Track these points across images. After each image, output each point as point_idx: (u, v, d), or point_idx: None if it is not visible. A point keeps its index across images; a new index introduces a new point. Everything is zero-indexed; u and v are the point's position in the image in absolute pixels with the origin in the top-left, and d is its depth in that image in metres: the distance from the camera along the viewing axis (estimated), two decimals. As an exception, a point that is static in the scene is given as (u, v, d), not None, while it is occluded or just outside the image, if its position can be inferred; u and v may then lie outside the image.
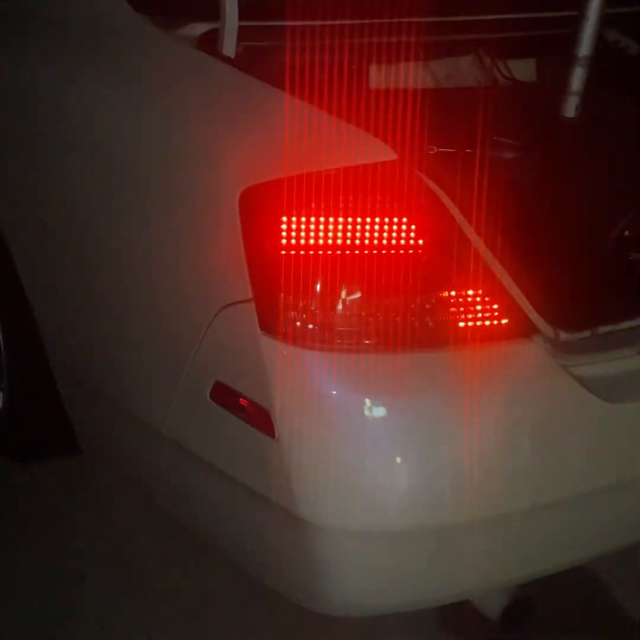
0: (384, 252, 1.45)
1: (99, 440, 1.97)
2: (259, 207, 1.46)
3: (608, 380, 1.60)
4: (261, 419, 1.47)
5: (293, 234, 1.44)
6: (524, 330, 1.54)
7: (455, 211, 1.48)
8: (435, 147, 1.78)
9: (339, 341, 1.45)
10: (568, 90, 1.55)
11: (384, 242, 1.45)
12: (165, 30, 1.82)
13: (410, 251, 1.46)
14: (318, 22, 1.84)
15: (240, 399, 1.50)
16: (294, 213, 1.44)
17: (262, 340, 1.45)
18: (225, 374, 1.53)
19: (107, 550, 2.18)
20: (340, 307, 1.45)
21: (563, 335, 1.60)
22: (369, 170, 1.43)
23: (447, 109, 1.88)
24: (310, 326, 1.44)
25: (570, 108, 1.56)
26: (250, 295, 1.46)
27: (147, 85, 1.70)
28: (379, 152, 1.44)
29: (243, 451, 1.53)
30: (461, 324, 1.50)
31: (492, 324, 1.51)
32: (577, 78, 1.54)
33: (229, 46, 1.79)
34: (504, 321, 1.52)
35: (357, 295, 1.46)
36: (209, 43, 1.80)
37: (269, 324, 1.45)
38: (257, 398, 1.47)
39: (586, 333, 1.65)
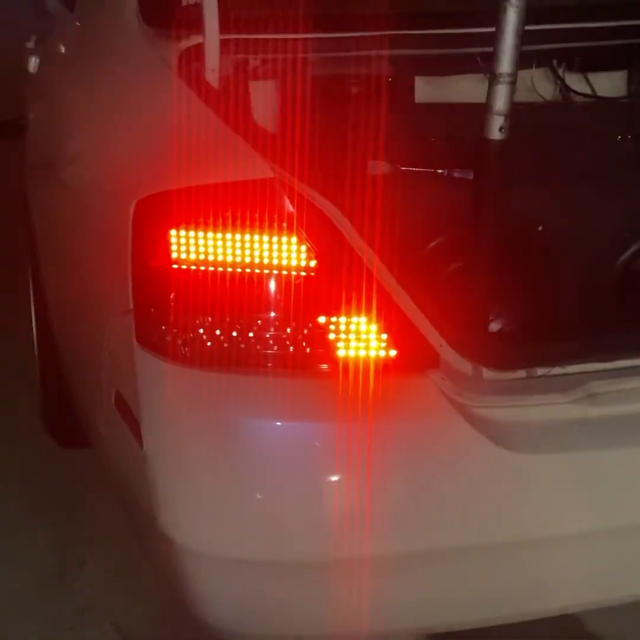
0: (257, 271, 1.41)
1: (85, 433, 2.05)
2: (147, 218, 1.46)
3: (527, 427, 1.46)
4: (137, 430, 1.48)
5: (173, 247, 1.43)
6: (416, 363, 1.43)
7: (347, 230, 1.41)
8: (386, 163, 1.68)
9: (207, 359, 1.43)
10: (490, 111, 1.42)
11: (257, 260, 1.41)
12: (161, 40, 1.86)
13: (286, 271, 1.41)
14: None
15: (127, 408, 1.52)
16: (176, 226, 1.43)
17: (136, 352, 1.46)
18: (120, 383, 1.55)
19: (112, 541, 2.26)
20: (211, 324, 1.43)
21: (488, 374, 1.48)
22: (248, 186, 1.40)
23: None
24: (181, 342, 1.43)
25: (494, 129, 1.43)
26: (131, 306, 1.47)
27: (99, 85, 1.76)
28: (256, 169, 1.40)
29: (133, 461, 1.54)
30: (341, 353, 1.42)
31: (377, 355, 1.42)
32: (500, 97, 1.41)
33: (212, 59, 1.81)
34: (391, 352, 1.43)
35: (229, 314, 1.43)
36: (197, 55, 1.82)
37: (143, 337, 1.45)
38: (134, 408, 1.48)
39: (519, 373, 1.50)
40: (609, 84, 2.42)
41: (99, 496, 2.37)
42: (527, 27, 2.14)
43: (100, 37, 1.96)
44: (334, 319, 1.42)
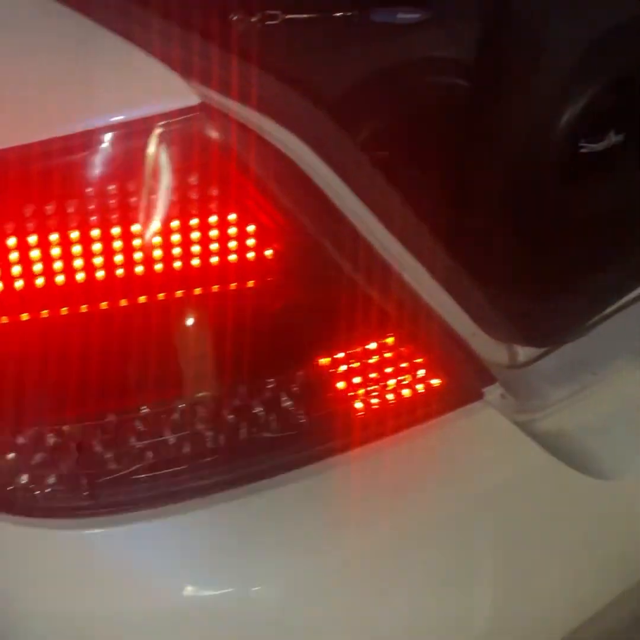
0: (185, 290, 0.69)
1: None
2: None
3: (604, 434, 0.92)
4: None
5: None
6: (466, 385, 0.82)
7: (333, 186, 0.72)
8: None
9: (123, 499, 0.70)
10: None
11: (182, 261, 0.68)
12: None
13: (235, 283, 0.71)
14: None
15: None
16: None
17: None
18: None
19: None
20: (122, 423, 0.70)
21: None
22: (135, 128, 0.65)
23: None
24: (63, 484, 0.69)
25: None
26: None
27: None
28: (179, 95, 0.64)
29: None
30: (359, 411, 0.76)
31: (415, 392, 0.79)
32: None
33: None
34: (433, 381, 0.80)
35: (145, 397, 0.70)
36: None
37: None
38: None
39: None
40: None
41: None
42: None
43: None
44: (337, 354, 0.75)
